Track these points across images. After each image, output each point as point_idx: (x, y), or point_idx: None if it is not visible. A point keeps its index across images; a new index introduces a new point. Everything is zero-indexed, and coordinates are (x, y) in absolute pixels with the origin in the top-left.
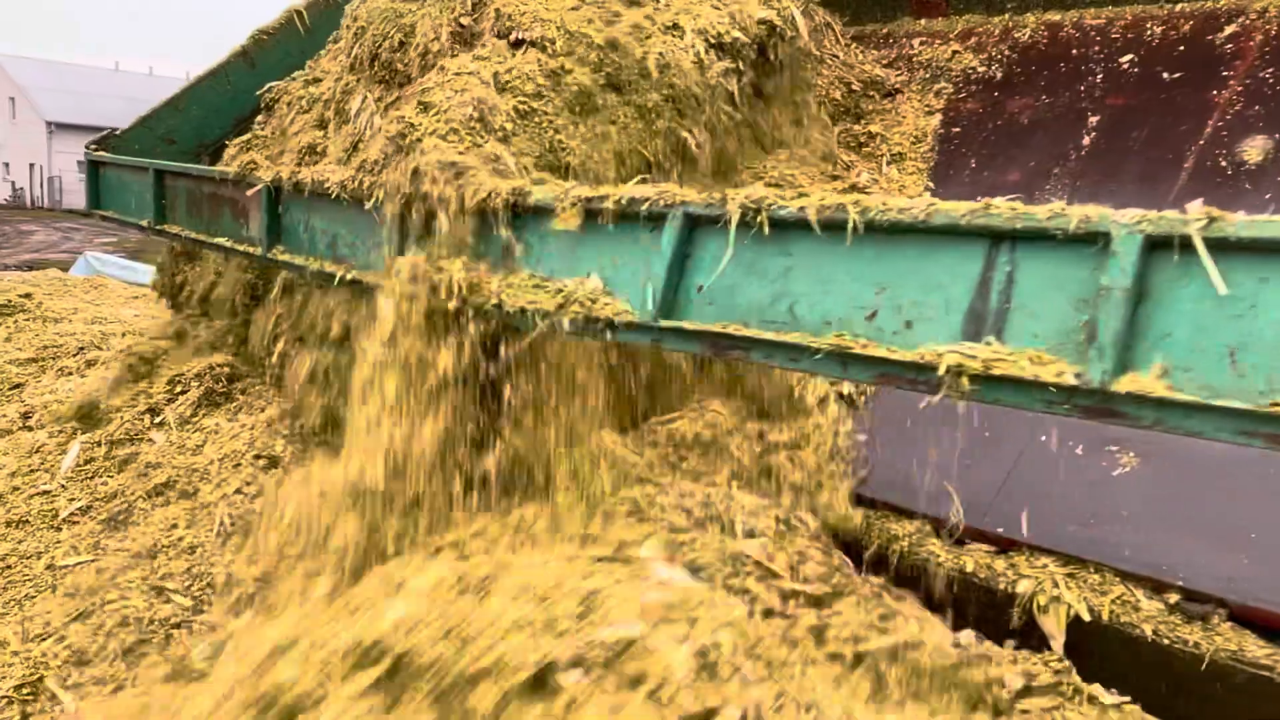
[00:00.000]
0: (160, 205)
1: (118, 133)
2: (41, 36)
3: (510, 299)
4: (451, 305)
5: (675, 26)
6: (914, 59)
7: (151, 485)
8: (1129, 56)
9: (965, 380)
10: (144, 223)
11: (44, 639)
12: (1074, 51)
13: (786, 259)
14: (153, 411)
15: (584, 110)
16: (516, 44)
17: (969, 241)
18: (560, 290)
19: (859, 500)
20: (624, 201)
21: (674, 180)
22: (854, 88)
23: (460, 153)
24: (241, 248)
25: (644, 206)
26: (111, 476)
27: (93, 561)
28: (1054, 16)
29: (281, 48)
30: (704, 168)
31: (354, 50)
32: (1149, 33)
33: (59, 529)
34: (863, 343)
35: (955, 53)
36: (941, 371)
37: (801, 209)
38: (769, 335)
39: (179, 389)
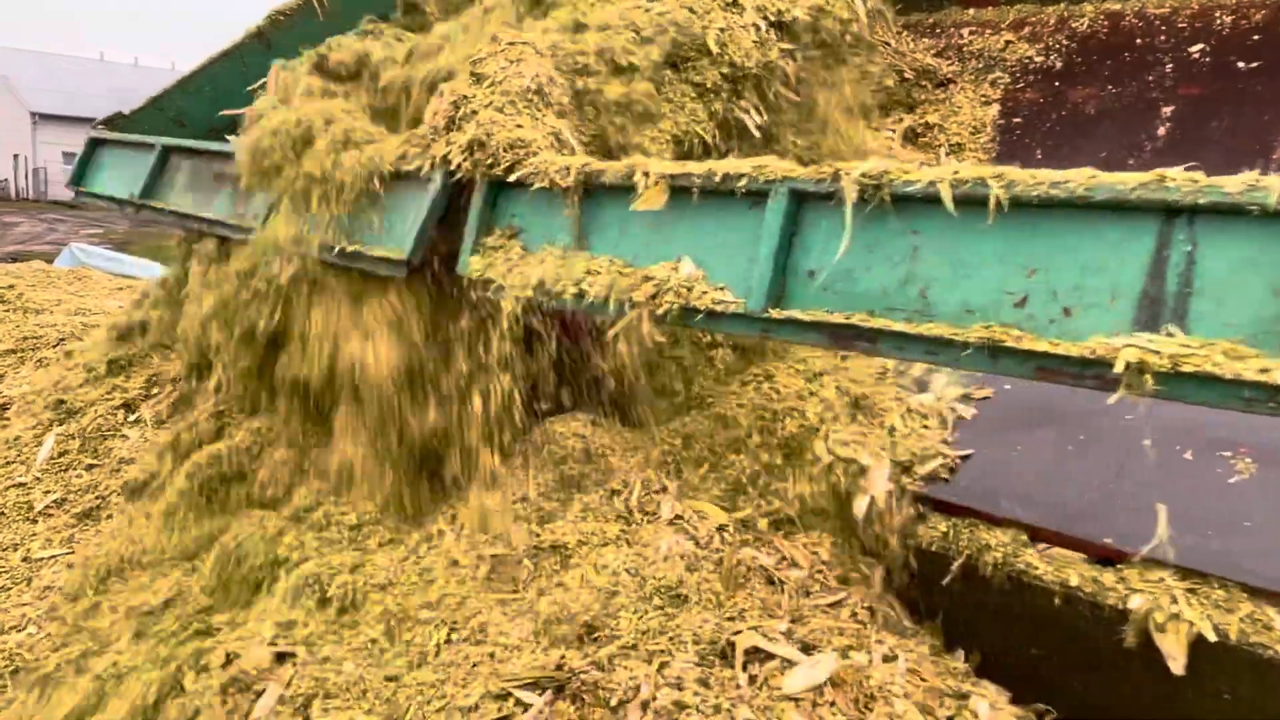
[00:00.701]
0: (152, 181)
1: (126, 114)
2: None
3: (593, 288)
4: (526, 295)
5: (735, 3)
6: (964, 49)
7: (123, 480)
8: (1199, 46)
9: (1149, 378)
10: (128, 196)
11: (18, 630)
12: (1138, 41)
13: (913, 238)
14: (128, 407)
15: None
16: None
17: (1138, 218)
18: (648, 278)
19: (940, 506)
20: (717, 178)
21: None
22: (906, 76)
23: (518, 126)
24: (235, 222)
25: (741, 183)
26: (86, 470)
27: (67, 554)
28: (1114, 6)
29: (299, 29)
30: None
31: None
32: (1218, 22)
33: (34, 521)
34: (1015, 334)
35: (1009, 42)
36: (1120, 368)
37: (932, 184)
38: (901, 326)
39: (154, 389)
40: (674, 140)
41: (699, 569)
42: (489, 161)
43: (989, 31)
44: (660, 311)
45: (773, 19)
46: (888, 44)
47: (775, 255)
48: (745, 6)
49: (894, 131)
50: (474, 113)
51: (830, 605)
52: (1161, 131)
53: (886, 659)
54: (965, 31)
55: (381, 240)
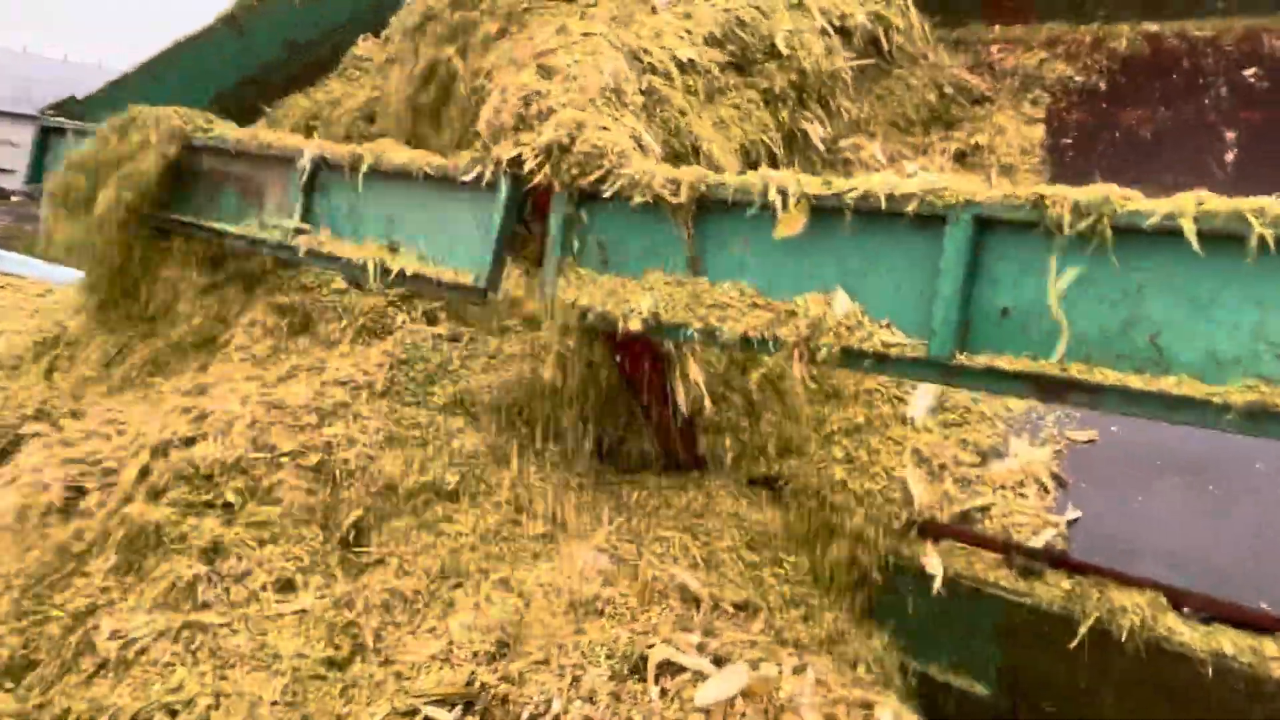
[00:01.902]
0: None
1: (79, 99)
2: None
3: (726, 323)
4: (635, 328)
5: (800, 4)
6: (996, 66)
7: None
8: (1252, 70)
9: None
10: None
11: None
12: (1185, 63)
13: (1136, 274)
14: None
15: (707, 93)
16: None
17: None
18: (793, 313)
19: (1060, 563)
20: (879, 199)
21: None
22: (945, 91)
23: (603, 129)
24: (249, 233)
25: (911, 206)
26: None
27: None
28: (1152, 27)
29: (274, 16)
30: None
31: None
32: (1268, 46)
33: None
34: None
35: (1044, 60)
36: None
37: (1170, 217)
38: (1133, 380)
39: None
40: (741, 152)
41: (615, 584)
42: (574, 170)
43: (1020, 49)
44: (820, 356)
45: (836, 24)
46: (925, 57)
47: (960, 291)
48: (810, 9)
49: (943, 150)
50: (550, 111)
51: (743, 619)
52: (1229, 156)
53: (796, 671)
54: (994, 48)
55: (444, 260)
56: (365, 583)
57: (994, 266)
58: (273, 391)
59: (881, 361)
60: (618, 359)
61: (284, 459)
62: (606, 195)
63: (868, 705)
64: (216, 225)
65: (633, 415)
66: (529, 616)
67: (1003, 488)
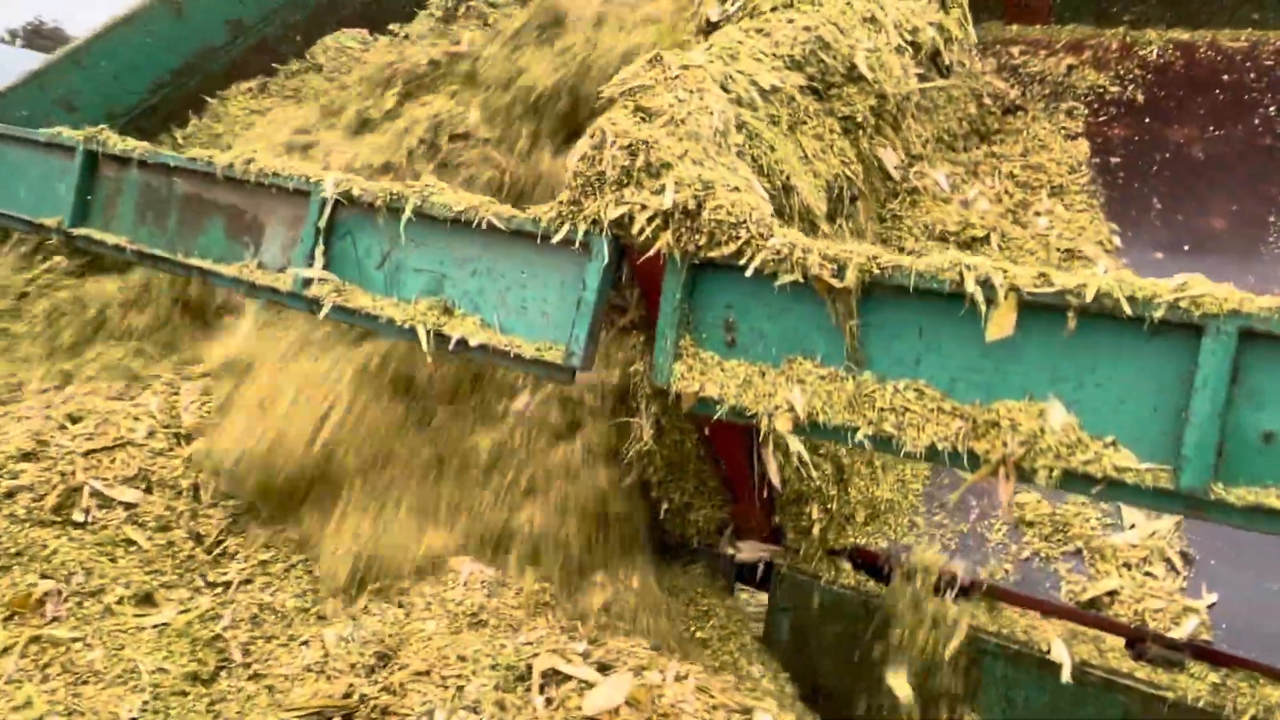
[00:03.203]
0: (83, 201)
1: None
2: None
3: (907, 432)
4: (782, 427)
5: (873, 19)
6: (1020, 70)
7: None
8: None
9: None
10: (50, 223)
11: None
12: (1225, 77)
13: None
14: None
15: (790, 123)
16: (710, 28)
17: None
18: (995, 423)
19: (1204, 654)
20: (1117, 303)
21: (863, 217)
22: (983, 100)
23: (735, 189)
24: (244, 277)
25: (1158, 312)
26: None
27: None
28: (1182, 35)
29: None
30: (883, 197)
31: None
32: None
33: None
34: None
35: (1071, 67)
36: None
37: None
38: None
39: None
40: (827, 188)
41: (499, 595)
42: (701, 238)
43: (1044, 53)
44: (1039, 478)
45: (908, 38)
46: (962, 64)
47: (1220, 414)
48: (885, 24)
49: (993, 169)
50: (665, 165)
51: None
52: None
53: (678, 678)
54: (1015, 50)
55: (517, 329)
56: (232, 596)
57: (1254, 382)
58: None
59: (1114, 488)
60: (706, 430)
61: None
62: (749, 274)
63: (747, 710)
64: (198, 263)
65: (702, 481)
66: (409, 628)
67: (1127, 566)
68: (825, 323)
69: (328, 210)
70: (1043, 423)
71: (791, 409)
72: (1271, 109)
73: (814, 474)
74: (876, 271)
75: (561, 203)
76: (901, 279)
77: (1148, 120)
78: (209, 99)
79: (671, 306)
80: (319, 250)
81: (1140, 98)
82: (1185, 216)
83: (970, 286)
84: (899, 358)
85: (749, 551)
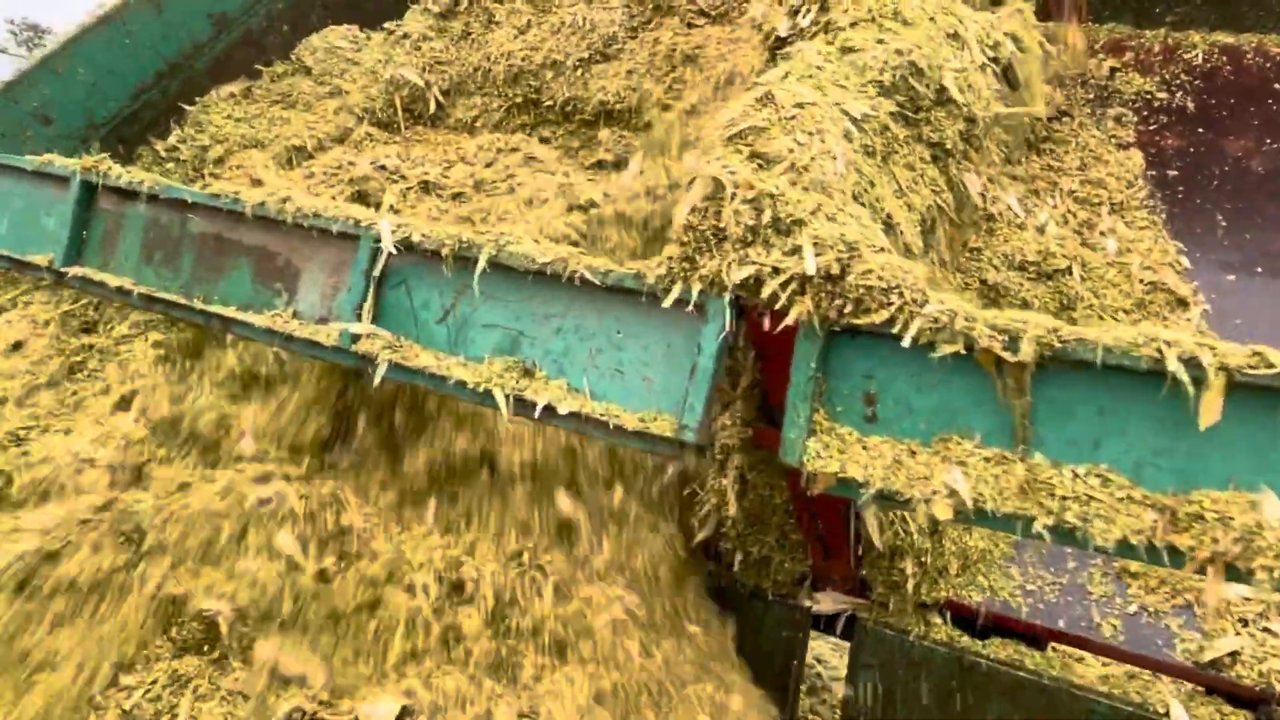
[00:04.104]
0: (77, 238)
1: None
2: None
3: (1090, 524)
4: (942, 514)
5: (956, 36)
6: (1060, 72)
7: None
8: None
9: None
10: (38, 261)
11: None
12: (1277, 86)
13: None
14: None
15: (883, 153)
16: (778, 43)
17: None
18: (1199, 516)
19: None
20: None
21: (944, 248)
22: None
23: (880, 249)
24: (277, 327)
25: None
26: None
27: None
28: (1226, 39)
29: None
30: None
31: None
32: None
33: None
34: None
35: (1114, 70)
36: None
37: None
38: None
39: None
40: (921, 221)
41: None
42: (845, 305)
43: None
44: (1257, 579)
45: (990, 55)
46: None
47: None
48: (969, 42)
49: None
50: (797, 223)
51: None
52: None
53: None
54: (1054, 49)
55: (614, 397)
56: None
57: None
58: None
59: None
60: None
61: None
62: (905, 344)
63: None
64: (219, 311)
65: (784, 534)
66: None
67: (1243, 622)
68: (987, 398)
69: (382, 258)
70: (1257, 516)
71: (953, 494)
72: None
73: (913, 530)
74: (1057, 345)
75: (672, 259)
76: (1085, 354)
77: (1201, 130)
78: (188, 107)
79: (805, 377)
80: (368, 302)
81: (1190, 105)
82: (1253, 235)
83: (1172, 365)
84: (1074, 439)
85: (829, 603)
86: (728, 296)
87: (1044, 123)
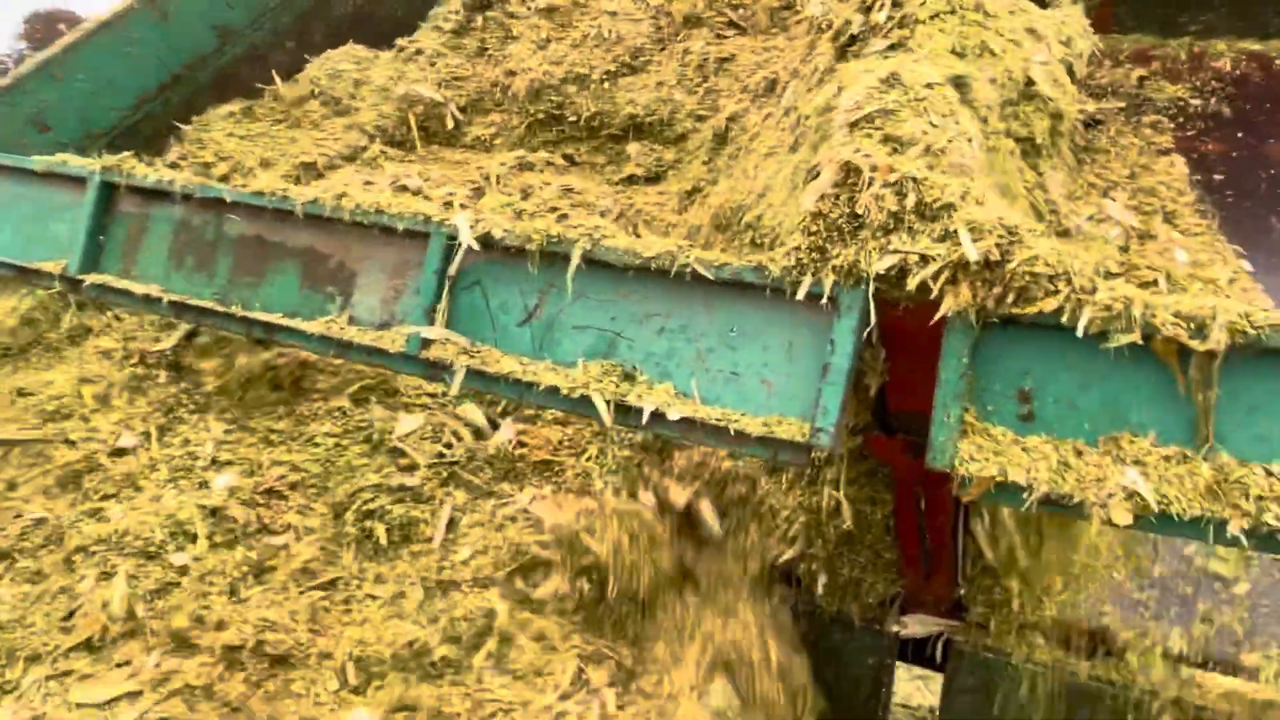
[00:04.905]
0: (94, 243)
1: None
2: None
3: None
4: (1121, 519)
5: (1033, 30)
6: (1087, 82)
7: None
8: None
9: None
10: (50, 268)
11: None
12: None
13: None
14: None
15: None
16: (850, 41)
17: None
18: None
19: None
20: None
21: None
22: (1077, 115)
23: (1039, 234)
24: (331, 333)
25: None
26: None
27: None
28: (1252, 45)
29: None
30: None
31: None
32: None
33: None
34: None
35: (1143, 78)
36: None
37: None
38: None
39: None
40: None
41: None
42: (1007, 294)
43: (1109, 63)
44: None
45: (1065, 49)
46: None
47: None
48: (1046, 37)
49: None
50: (947, 207)
51: None
52: None
53: None
54: (1080, 64)
55: (729, 400)
56: None
57: None
58: None
59: None
60: (920, 501)
61: None
62: (1079, 334)
63: None
64: (262, 317)
65: (877, 554)
66: None
67: None
68: (1161, 393)
69: (459, 255)
70: None
71: (1132, 496)
72: None
73: (1018, 543)
74: (1250, 331)
75: (799, 249)
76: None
77: (1240, 135)
78: (184, 126)
79: (956, 374)
80: (442, 304)
81: (1226, 110)
82: None
83: None
84: (1264, 435)
85: (918, 626)
86: (869, 288)
87: (1081, 131)
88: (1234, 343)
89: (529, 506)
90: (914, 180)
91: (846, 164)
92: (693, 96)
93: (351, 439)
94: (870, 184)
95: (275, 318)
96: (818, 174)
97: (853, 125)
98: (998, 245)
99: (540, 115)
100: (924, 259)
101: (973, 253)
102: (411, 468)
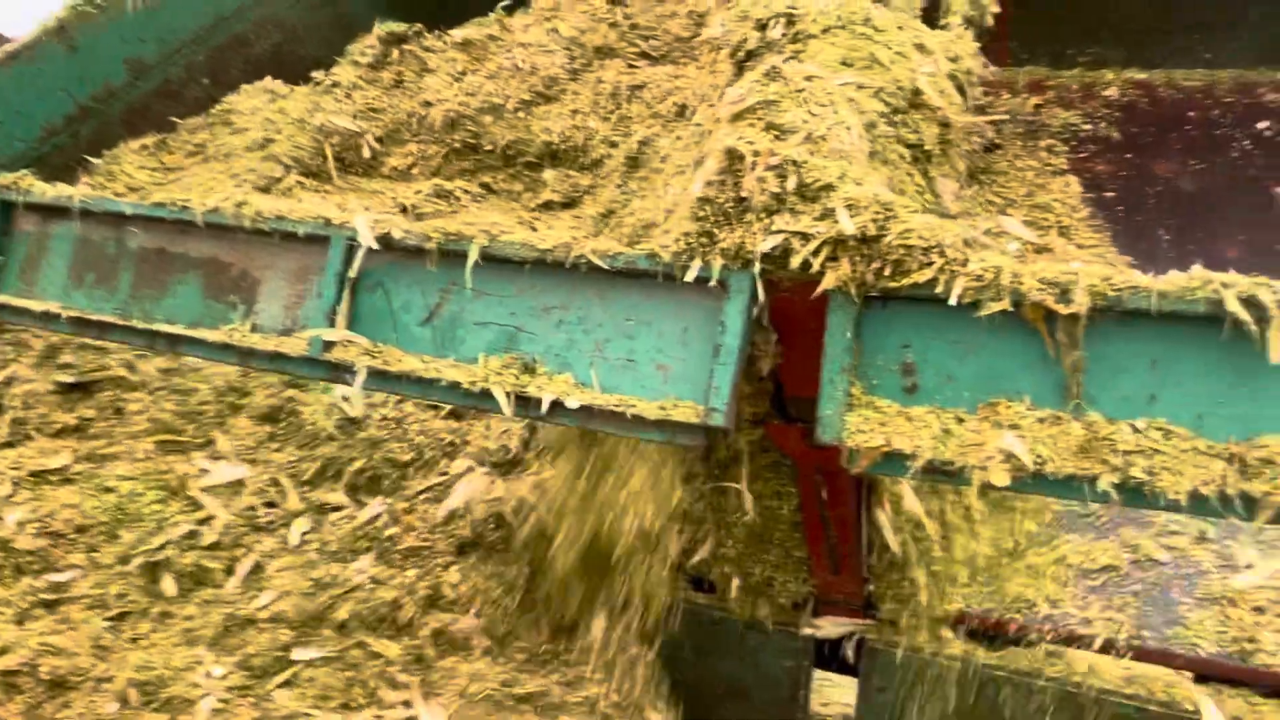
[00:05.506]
0: None
1: None
2: None
3: (1158, 477)
4: (999, 480)
5: (922, 46)
6: (987, 110)
7: None
8: (1265, 124)
9: None
10: None
11: None
12: (1190, 114)
13: None
14: None
15: (872, 150)
16: (747, 57)
17: None
18: (1268, 460)
19: None
20: None
21: None
22: (974, 139)
23: (913, 210)
24: (236, 342)
25: None
26: None
27: None
28: (1138, 75)
29: (119, 27)
30: None
31: None
32: (1268, 99)
33: None
34: None
35: (1038, 106)
36: None
37: None
38: None
39: None
40: None
41: None
42: (885, 268)
43: (1005, 93)
44: None
45: (953, 68)
46: None
47: None
48: (934, 51)
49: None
50: (826, 188)
51: None
52: None
53: None
54: (977, 91)
55: (626, 387)
56: None
57: None
58: None
59: None
60: (823, 493)
61: None
62: (952, 303)
63: None
64: (164, 329)
65: (787, 552)
66: None
67: (1259, 610)
68: (1034, 358)
69: (359, 256)
70: None
71: (1010, 458)
72: (1246, 142)
73: (934, 531)
74: (1110, 294)
75: (689, 235)
76: (1139, 302)
77: (1129, 156)
78: (93, 160)
79: (841, 349)
80: (343, 306)
81: (1115, 134)
82: (1195, 247)
83: (1232, 305)
84: (1127, 395)
85: (833, 627)
86: (756, 269)
87: (980, 154)
88: (1096, 305)
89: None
90: (795, 163)
91: (730, 150)
92: (606, 123)
93: (148, 483)
94: (754, 168)
95: (177, 329)
96: (703, 162)
97: (736, 116)
98: (874, 220)
99: (457, 145)
100: (805, 237)
101: (849, 227)
102: (207, 519)
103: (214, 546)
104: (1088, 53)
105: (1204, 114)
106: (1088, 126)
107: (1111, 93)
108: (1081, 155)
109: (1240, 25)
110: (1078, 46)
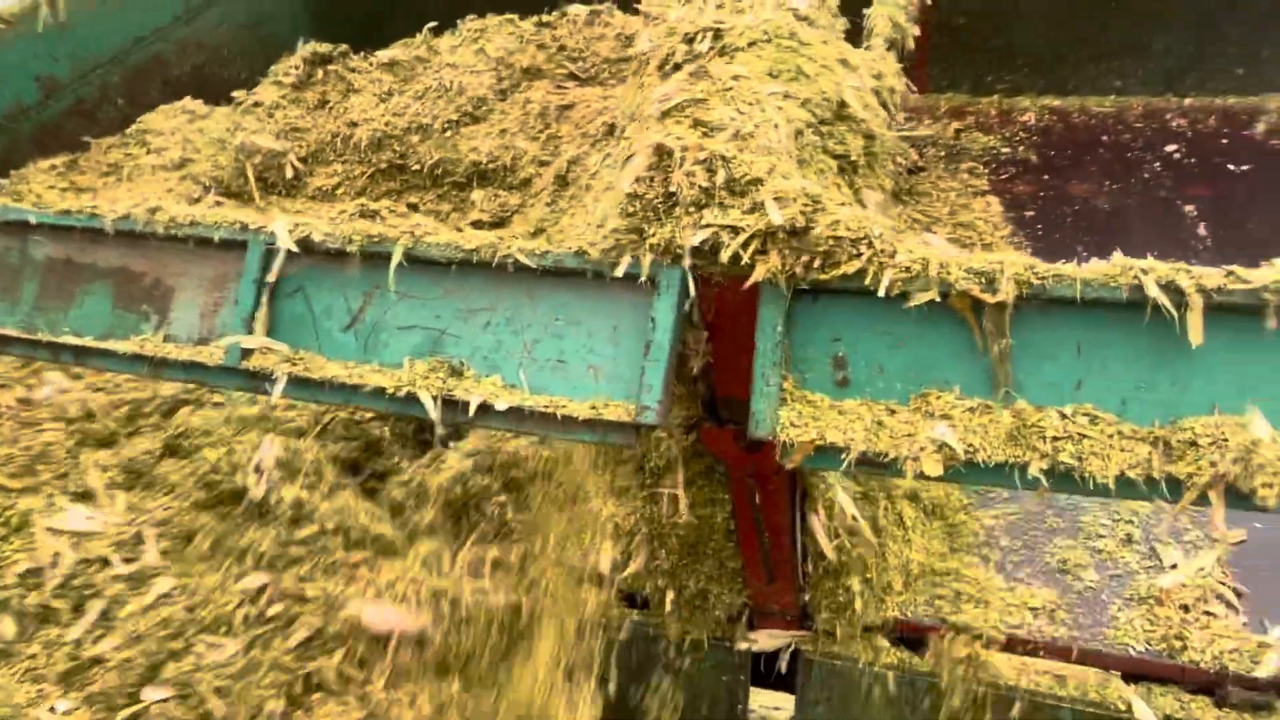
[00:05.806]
0: None
1: None
2: None
3: (1087, 462)
4: (932, 470)
5: (845, 61)
6: (909, 135)
7: None
8: (1172, 147)
9: None
10: None
11: None
12: (1104, 138)
13: None
14: None
15: (799, 160)
16: (675, 69)
17: None
18: (1193, 443)
19: None
20: None
21: None
22: (898, 161)
23: (842, 203)
24: (150, 352)
25: None
26: None
27: None
28: (1053, 101)
29: (29, 43)
30: None
31: None
32: (1175, 124)
33: None
34: None
35: (959, 130)
36: None
37: None
38: None
39: None
40: None
41: None
42: (813, 260)
43: (927, 119)
44: (1261, 499)
45: (876, 83)
46: None
47: None
48: (858, 67)
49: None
50: (755, 181)
51: None
52: (1203, 231)
53: None
54: (900, 117)
55: (557, 387)
56: None
57: None
58: None
59: None
60: (756, 498)
61: None
62: (881, 294)
63: None
64: (71, 341)
65: (721, 563)
66: None
67: (1184, 608)
68: (963, 348)
69: (278, 261)
70: (1250, 435)
71: (942, 447)
72: (1156, 164)
73: (870, 536)
74: (1035, 282)
75: (618, 231)
76: (1063, 290)
77: (1046, 177)
78: (2, 180)
79: (771, 343)
80: (261, 313)
81: (1033, 157)
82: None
83: (1152, 291)
84: (1054, 382)
85: (769, 640)
86: (686, 263)
87: (905, 176)
88: (1022, 293)
89: None
90: (723, 158)
91: (659, 146)
92: (535, 143)
93: None
94: (682, 163)
95: (85, 341)
96: (632, 159)
97: (664, 114)
98: (802, 212)
99: (383, 165)
100: (735, 230)
101: (778, 218)
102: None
103: (62, 588)
104: (1005, 80)
105: (1116, 138)
106: (1007, 150)
107: (1029, 118)
108: (1002, 177)
109: (1146, 54)
110: (995, 74)
